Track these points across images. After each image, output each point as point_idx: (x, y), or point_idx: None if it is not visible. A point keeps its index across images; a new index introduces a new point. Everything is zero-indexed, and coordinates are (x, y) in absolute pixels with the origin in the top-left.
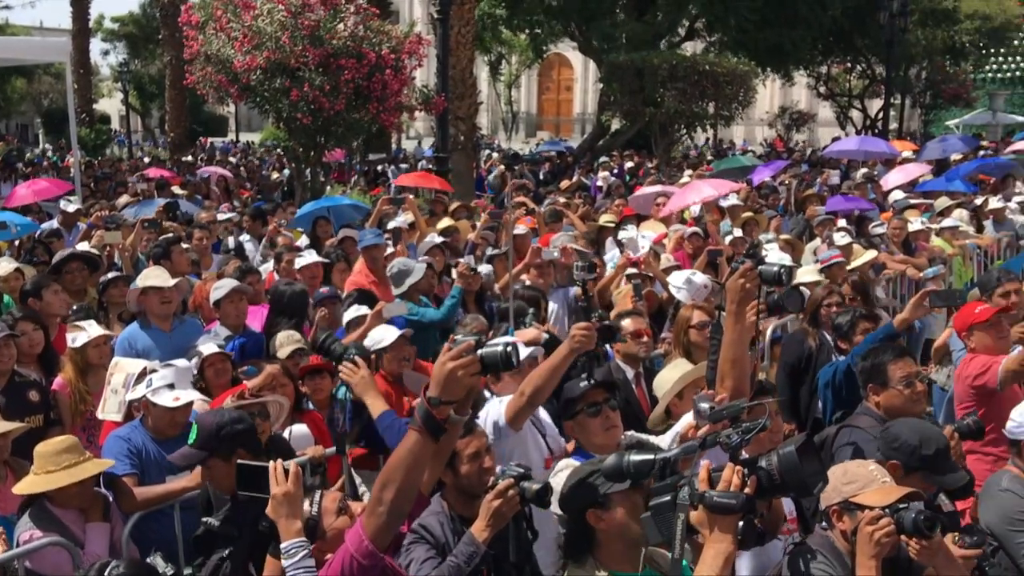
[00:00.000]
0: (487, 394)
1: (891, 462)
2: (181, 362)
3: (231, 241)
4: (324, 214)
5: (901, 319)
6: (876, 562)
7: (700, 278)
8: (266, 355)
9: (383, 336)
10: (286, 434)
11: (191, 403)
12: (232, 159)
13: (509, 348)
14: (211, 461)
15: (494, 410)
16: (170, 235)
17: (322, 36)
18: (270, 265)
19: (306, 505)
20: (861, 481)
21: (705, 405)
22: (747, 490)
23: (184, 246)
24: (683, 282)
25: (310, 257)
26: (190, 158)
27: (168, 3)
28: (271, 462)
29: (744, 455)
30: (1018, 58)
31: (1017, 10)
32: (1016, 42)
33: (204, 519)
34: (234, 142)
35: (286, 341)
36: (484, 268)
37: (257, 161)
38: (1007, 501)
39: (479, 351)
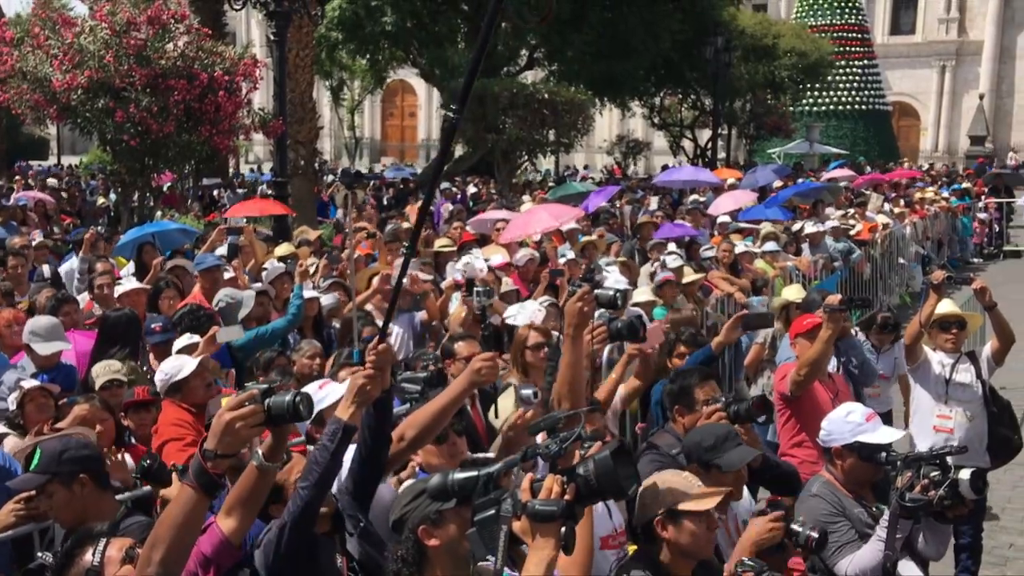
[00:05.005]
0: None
1: (691, 466)
2: None
3: (47, 269)
4: (149, 240)
5: (718, 342)
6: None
7: (532, 304)
8: (82, 388)
9: (181, 365)
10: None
11: None
12: (53, 183)
13: (298, 398)
14: (52, 486)
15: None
16: None
17: (149, 56)
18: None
19: (88, 555)
20: (680, 489)
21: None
22: (567, 497)
23: None
24: (516, 308)
25: (129, 284)
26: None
27: None
28: None
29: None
30: (831, 93)
31: (830, 48)
32: (829, 78)
33: (39, 553)
34: (57, 165)
35: (102, 372)
36: (327, 299)
37: (83, 186)
38: (815, 505)
39: (267, 400)
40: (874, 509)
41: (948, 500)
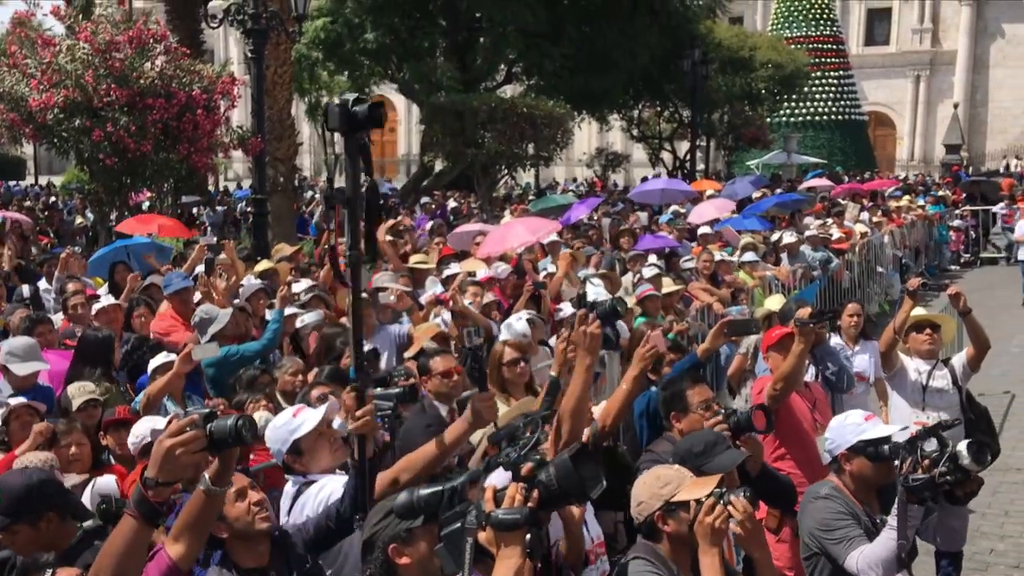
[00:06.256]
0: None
1: None
2: None
3: (26, 289)
4: (123, 258)
5: (703, 349)
6: (718, 549)
7: (522, 326)
8: (58, 408)
9: (153, 424)
10: (88, 488)
11: None
12: (29, 202)
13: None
14: (17, 527)
15: (338, 497)
16: None
17: (127, 75)
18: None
19: None
20: (674, 482)
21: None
22: (530, 504)
23: None
24: (504, 325)
25: (106, 300)
26: None
27: None
28: None
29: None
30: (808, 103)
31: (806, 59)
32: (806, 89)
33: None
34: (34, 185)
35: (77, 393)
36: (311, 316)
37: (61, 205)
38: (823, 505)
39: (209, 424)
40: (878, 520)
41: (951, 475)
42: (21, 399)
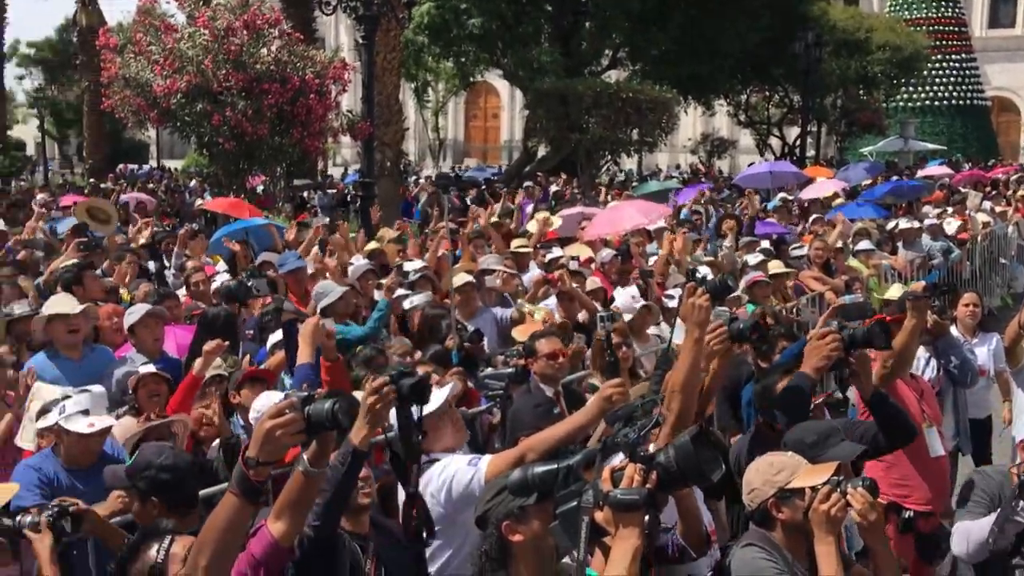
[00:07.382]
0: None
1: None
2: (97, 388)
3: (152, 266)
4: (242, 237)
5: (813, 334)
6: (834, 537)
7: (630, 289)
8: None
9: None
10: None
11: (106, 430)
12: (152, 185)
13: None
14: (130, 494)
15: (462, 475)
16: (80, 260)
17: (245, 61)
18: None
19: (153, 551)
20: (789, 468)
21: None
22: (648, 485)
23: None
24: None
25: (222, 278)
26: (109, 184)
27: (86, 27)
28: None
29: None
30: (927, 87)
31: (925, 42)
32: (925, 72)
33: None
34: (158, 168)
35: None
36: (419, 298)
37: (183, 188)
38: (972, 480)
39: (307, 407)
40: None
41: None
42: (151, 367)
